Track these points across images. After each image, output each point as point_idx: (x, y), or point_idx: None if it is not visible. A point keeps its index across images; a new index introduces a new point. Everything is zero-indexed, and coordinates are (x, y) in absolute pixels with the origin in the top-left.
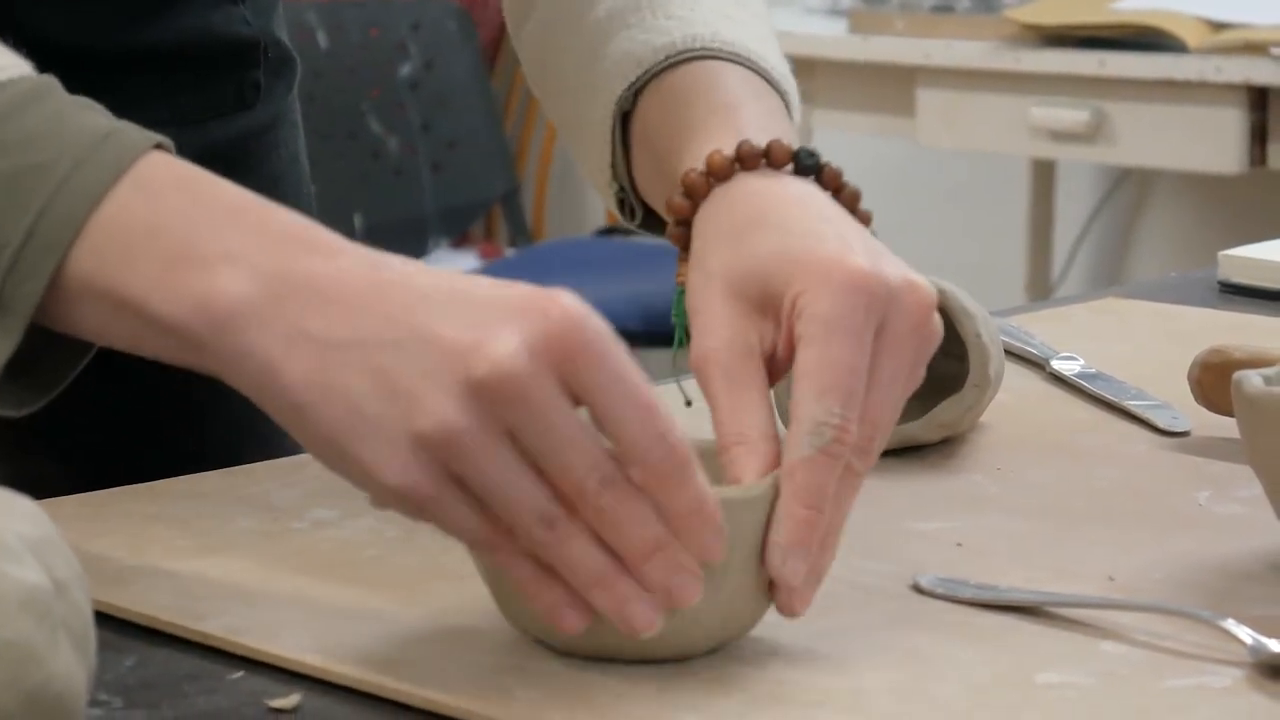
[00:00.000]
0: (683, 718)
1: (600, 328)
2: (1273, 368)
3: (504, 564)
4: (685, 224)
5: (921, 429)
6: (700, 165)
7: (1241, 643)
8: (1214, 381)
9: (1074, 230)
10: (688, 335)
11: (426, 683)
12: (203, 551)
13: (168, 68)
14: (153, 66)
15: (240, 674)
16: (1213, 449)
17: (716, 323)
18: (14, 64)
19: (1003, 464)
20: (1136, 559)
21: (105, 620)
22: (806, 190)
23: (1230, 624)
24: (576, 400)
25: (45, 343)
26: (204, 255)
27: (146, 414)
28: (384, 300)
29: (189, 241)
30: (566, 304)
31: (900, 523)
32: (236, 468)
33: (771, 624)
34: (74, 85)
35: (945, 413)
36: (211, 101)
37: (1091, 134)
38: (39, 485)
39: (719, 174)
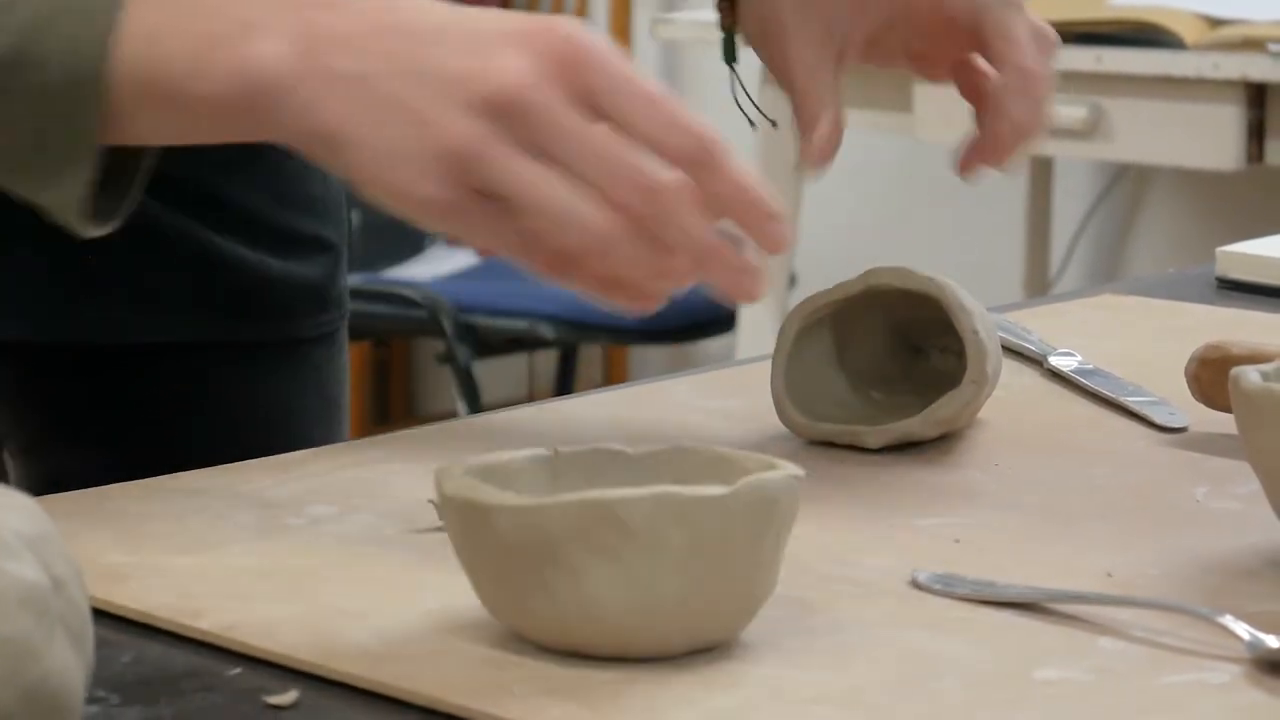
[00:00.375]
0: (680, 713)
1: (603, 42)
2: (1270, 364)
3: (553, 274)
4: None
5: (919, 425)
6: None
7: (1239, 639)
8: (1212, 378)
9: (1071, 226)
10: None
11: (424, 679)
12: (200, 548)
13: None
14: None
15: (238, 670)
16: (1210, 445)
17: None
18: None
19: (1000, 460)
20: (1134, 555)
21: (102, 617)
22: None
23: (1228, 620)
24: (595, 115)
25: (112, 163)
26: (229, 31)
27: (169, 406)
28: (401, 37)
29: (213, 21)
30: (569, 26)
31: (898, 519)
32: (233, 464)
33: (767, 621)
34: None
35: (943, 409)
36: None
37: (1089, 130)
38: (64, 481)
39: None
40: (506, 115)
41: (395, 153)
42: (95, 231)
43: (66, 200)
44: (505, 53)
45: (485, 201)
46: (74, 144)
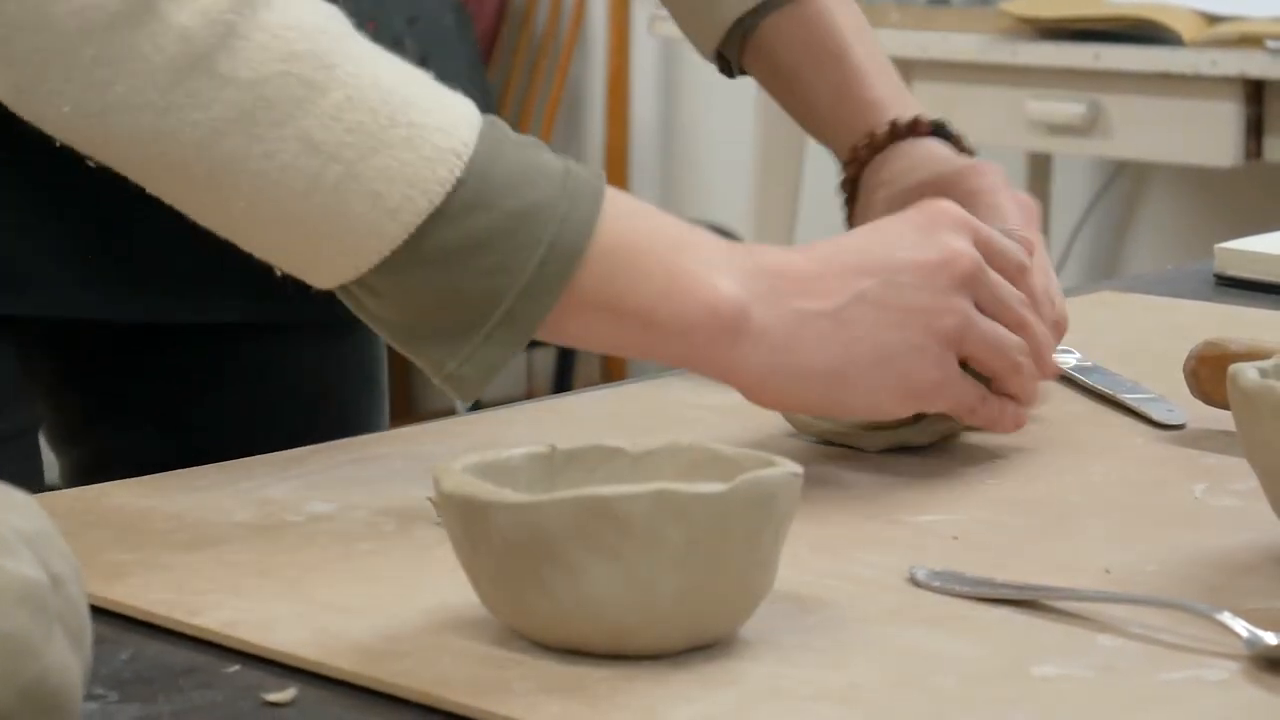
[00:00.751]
0: (679, 711)
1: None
2: (1269, 360)
3: (988, 416)
4: (852, 181)
5: (916, 434)
6: (862, 140)
7: (1237, 635)
8: (1210, 374)
9: (1070, 223)
10: None
11: (422, 676)
12: (198, 545)
13: None
14: None
15: (236, 667)
16: (1209, 442)
17: None
18: (465, 108)
19: (999, 457)
20: (1132, 552)
21: (101, 614)
22: (941, 146)
23: (1226, 617)
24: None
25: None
26: (695, 269)
27: (216, 385)
28: (843, 262)
29: (678, 260)
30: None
31: (896, 516)
32: (233, 461)
33: (766, 618)
34: None
35: (940, 421)
36: None
37: (1087, 127)
38: (109, 464)
39: (878, 146)
40: (971, 284)
41: (892, 354)
42: (466, 400)
43: (475, 374)
44: (948, 237)
45: (959, 365)
46: (513, 328)
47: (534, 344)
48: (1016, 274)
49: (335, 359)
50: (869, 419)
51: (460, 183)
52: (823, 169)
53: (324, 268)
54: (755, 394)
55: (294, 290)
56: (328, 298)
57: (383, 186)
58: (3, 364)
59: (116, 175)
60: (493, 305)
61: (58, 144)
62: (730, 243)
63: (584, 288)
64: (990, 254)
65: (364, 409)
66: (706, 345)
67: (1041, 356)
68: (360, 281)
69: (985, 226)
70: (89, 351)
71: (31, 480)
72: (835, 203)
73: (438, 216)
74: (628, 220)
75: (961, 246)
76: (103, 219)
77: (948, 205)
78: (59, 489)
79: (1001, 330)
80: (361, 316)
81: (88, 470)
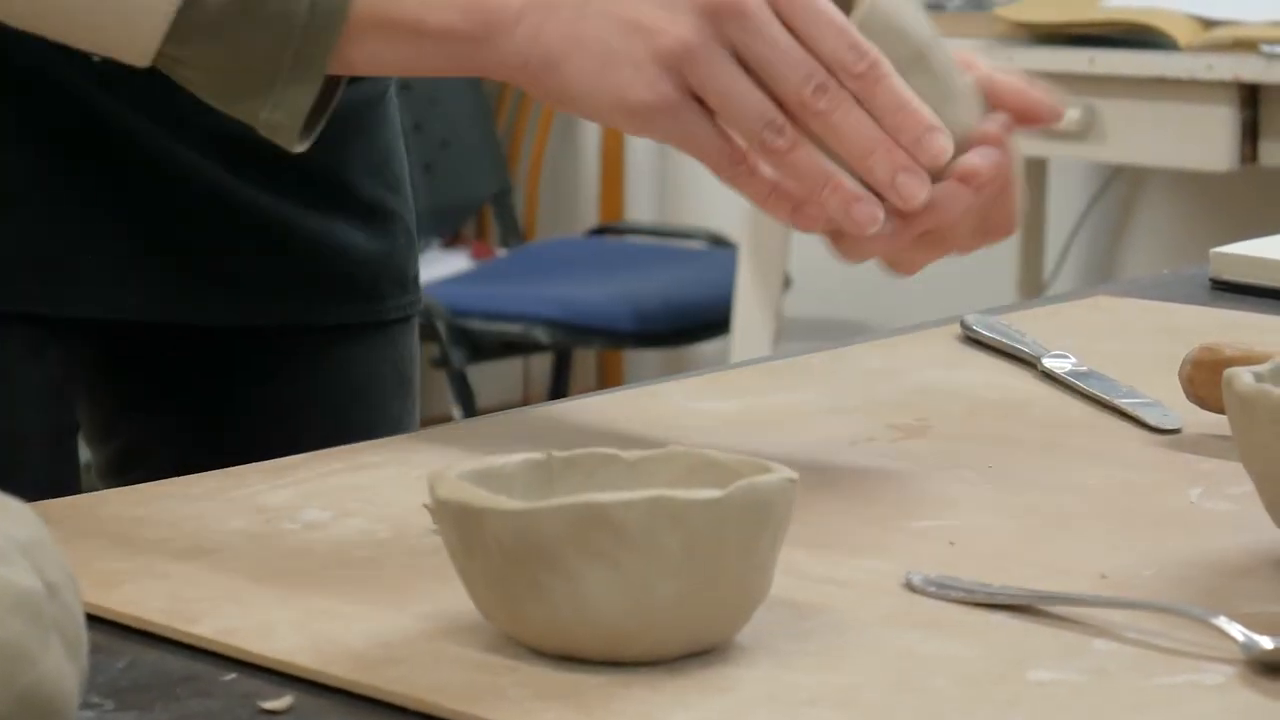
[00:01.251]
0: (675, 717)
1: None
2: (1264, 365)
3: (741, 181)
4: None
5: None
6: None
7: (1233, 640)
8: (1205, 379)
9: (1066, 228)
10: None
11: (418, 683)
12: (194, 553)
13: None
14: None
15: (233, 676)
16: (1204, 446)
17: None
18: None
19: (994, 462)
20: (1128, 556)
21: (97, 622)
22: None
23: (1222, 621)
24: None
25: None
26: None
27: (253, 383)
28: None
29: None
30: None
31: (892, 521)
32: (228, 469)
33: (762, 623)
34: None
35: None
36: None
37: (1083, 132)
38: (143, 460)
39: None
40: (718, 18)
41: (614, 58)
42: (300, 148)
43: (285, 120)
44: None
45: (692, 102)
46: (307, 65)
47: (531, 349)
48: (827, 37)
49: (370, 361)
50: (602, 122)
51: None
52: None
53: (127, 47)
54: (520, 85)
55: (333, 294)
56: (366, 299)
57: None
58: (49, 367)
59: (161, 179)
60: (282, 47)
61: (104, 150)
62: None
63: (360, 10)
64: (793, 5)
65: (396, 410)
66: (470, 46)
67: (850, 144)
68: (162, 54)
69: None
70: (128, 348)
71: (69, 481)
72: None
73: None
74: None
75: None
76: (147, 221)
77: None
78: (96, 488)
79: (742, 84)
80: (188, 89)
81: (122, 466)
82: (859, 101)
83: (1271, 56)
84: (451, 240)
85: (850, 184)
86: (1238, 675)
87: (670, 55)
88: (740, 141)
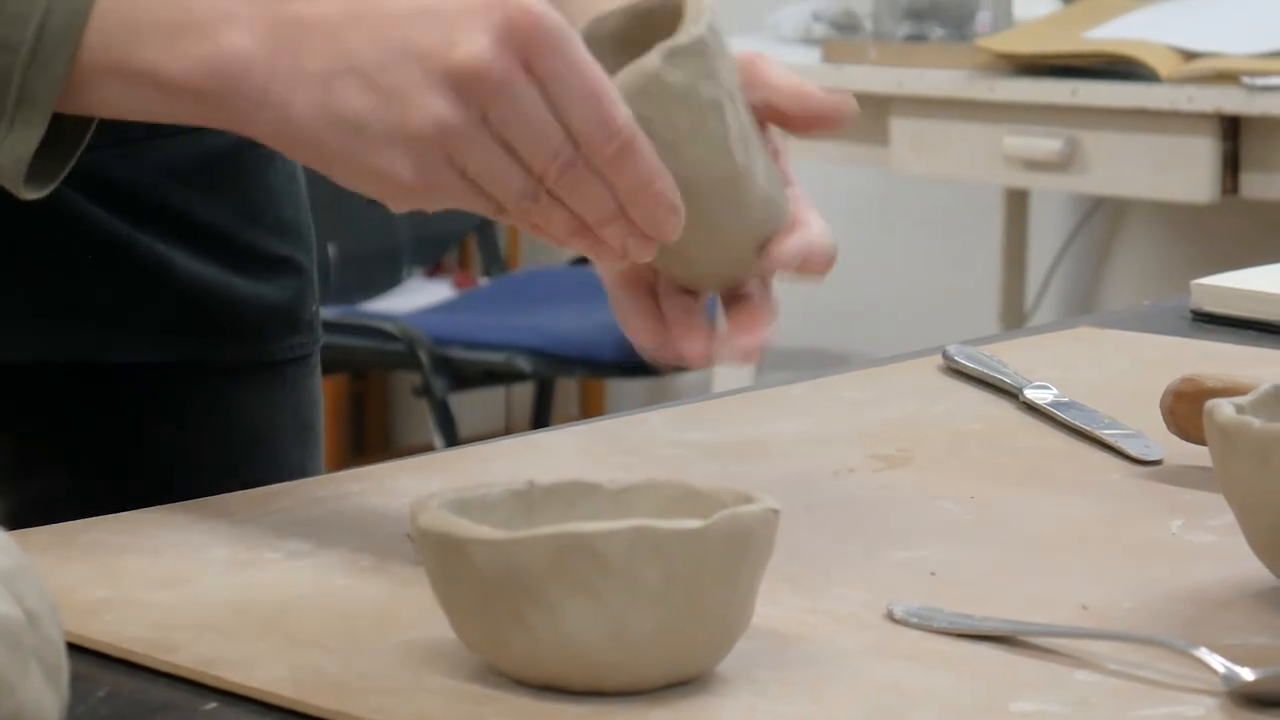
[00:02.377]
0: None
1: (557, 21)
2: (1245, 396)
3: (518, 225)
4: None
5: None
6: None
7: (1214, 672)
8: (1186, 410)
9: (1047, 259)
10: None
11: (400, 713)
12: (175, 582)
13: None
14: None
15: (213, 705)
16: (1185, 478)
17: None
18: None
19: (976, 493)
20: (1110, 588)
21: (77, 651)
22: None
23: (1203, 653)
24: (540, 88)
25: (55, 126)
26: (203, 20)
27: (142, 427)
28: (364, 26)
29: (187, 9)
30: (525, 1)
31: (874, 552)
32: (209, 498)
33: (743, 654)
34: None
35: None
36: None
37: (1064, 163)
38: (48, 508)
39: None
40: (470, 89)
41: (372, 140)
42: (28, 195)
43: (6, 161)
44: (468, 28)
45: (457, 178)
46: (31, 105)
47: (513, 379)
48: (582, 107)
49: (268, 400)
50: (371, 197)
51: None
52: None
53: None
54: (285, 154)
55: (213, 334)
56: (250, 340)
57: None
58: None
59: (21, 211)
60: (5, 86)
61: None
62: None
63: (92, 51)
64: (549, 72)
65: (297, 458)
66: (214, 102)
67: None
68: None
69: (563, 34)
70: (20, 394)
71: None
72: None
73: None
74: None
75: (479, 44)
76: (19, 259)
77: (523, 4)
78: None
79: (498, 160)
80: None
81: (26, 517)
82: (606, 171)
83: (1252, 88)
84: (434, 270)
85: (607, 235)
86: (1219, 707)
87: (431, 136)
88: None
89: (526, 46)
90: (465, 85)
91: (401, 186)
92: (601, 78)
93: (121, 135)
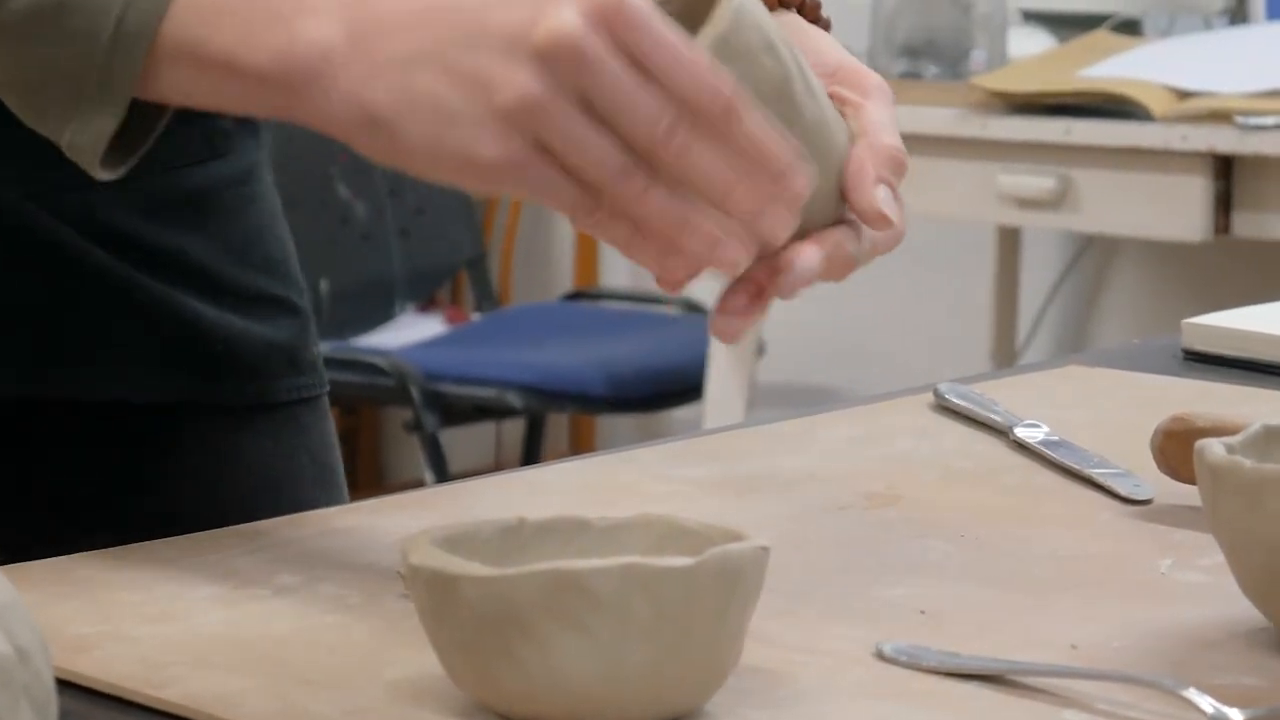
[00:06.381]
0: None
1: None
2: (1235, 436)
3: (602, 226)
4: None
5: None
6: None
7: (1203, 712)
8: (1177, 450)
9: (1039, 297)
10: None
11: None
12: (165, 618)
13: None
14: None
15: None
16: (1175, 517)
17: None
18: None
19: (966, 531)
20: (1099, 627)
21: (67, 687)
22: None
23: (1192, 693)
24: (630, 62)
25: (131, 111)
26: (280, 10)
27: (154, 469)
28: (442, 12)
29: (267, 1)
30: None
31: (864, 590)
32: (199, 533)
33: (733, 691)
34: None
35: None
36: (181, 147)
37: (1057, 201)
38: (49, 546)
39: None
40: (558, 64)
41: (454, 117)
42: (105, 176)
43: (88, 142)
44: (553, 4)
45: (540, 154)
46: (111, 90)
47: (504, 414)
48: (678, 74)
49: (281, 442)
50: (446, 182)
51: None
52: None
53: None
54: (351, 145)
55: (216, 374)
56: (253, 380)
57: None
58: None
59: (21, 247)
60: (86, 68)
61: None
62: None
63: (169, 38)
64: (637, 42)
65: (320, 498)
66: (286, 92)
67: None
68: None
69: (644, 4)
70: (26, 436)
71: None
72: None
73: None
74: None
75: (565, 16)
76: (12, 296)
77: None
78: None
79: (588, 132)
80: (5, 102)
81: (27, 553)
82: (717, 138)
83: (1245, 128)
84: (426, 305)
85: (709, 226)
86: None
87: (513, 111)
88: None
89: (611, 19)
90: (552, 59)
91: (483, 167)
92: (688, 43)
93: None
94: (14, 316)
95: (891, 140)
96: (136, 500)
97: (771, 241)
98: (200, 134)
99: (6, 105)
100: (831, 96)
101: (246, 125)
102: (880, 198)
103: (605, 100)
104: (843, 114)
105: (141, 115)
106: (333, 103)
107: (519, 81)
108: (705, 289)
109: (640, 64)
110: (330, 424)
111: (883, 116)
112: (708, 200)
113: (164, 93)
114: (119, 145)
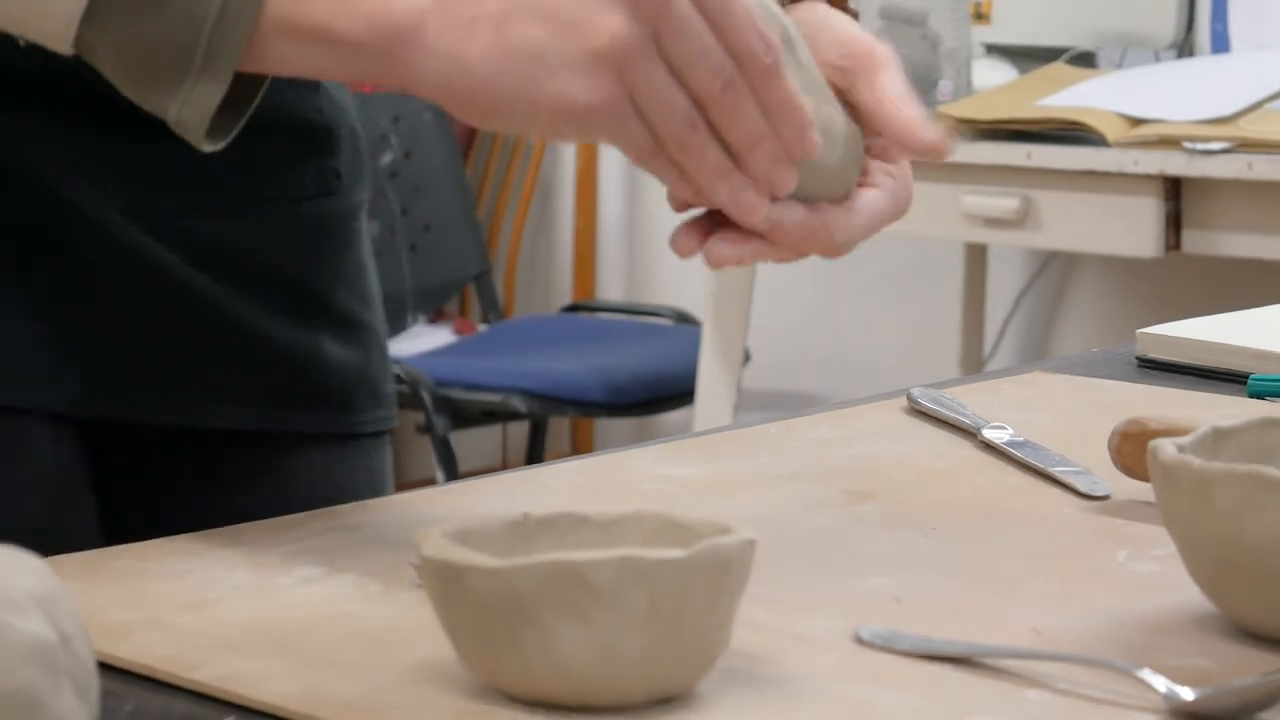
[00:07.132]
0: None
1: None
2: (1185, 437)
3: (658, 168)
4: None
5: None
6: None
7: (1156, 691)
8: (1132, 450)
9: (1004, 309)
10: None
11: None
12: (197, 606)
13: (247, 147)
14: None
15: (231, 719)
16: (1131, 512)
17: None
18: None
19: (938, 525)
20: (1061, 613)
21: (106, 669)
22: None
23: (1146, 674)
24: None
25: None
26: None
27: (224, 491)
28: None
29: None
30: None
31: (843, 579)
32: (227, 528)
33: (722, 673)
34: (153, 155)
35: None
36: (300, 183)
37: (1020, 220)
38: None
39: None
40: (644, 11)
41: (549, 64)
42: (209, 148)
43: (193, 116)
44: None
45: (628, 98)
46: (216, 63)
47: (509, 418)
48: (737, 28)
49: (343, 474)
50: (538, 132)
51: None
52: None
53: (46, 31)
54: (444, 106)
55: (309, 403)
56: (340, 410)
57: None
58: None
59: (127, 274)
60: (194, 43)
61: (66, 243)
62: None
63: (270, 12)
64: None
65: None
66: (382, 58)
67: (740, 145)
68: (81, 39)
69: None
70: (105, 454)
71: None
72: (789, 288)
73: None
74: None
75: None
76: (116, 320)
77: None
78: None
79: (668, 81)
80: (110, 79)
81: None
82: (756, 93)
83: (1193, 153)
84: (435, 316)
85: (742, 178)
86: None
87: (606, 53)
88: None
89: None
90: (639, 5)
91: (575, 110)
92: (753, 14)
93: (218, 201)
94: (108, 337)
95: (914, 112)
96: (194, 518)
97: (777, 193)
98: (316, 173)
99: (114, 112)
100: (840, 63)
101: (355, 166)
102: (918, 116)
103: (680, 48)
104: (855, 83)
105: (244, 85)
106: (429, 65)
107: (611, 24)
108: (694, 300)
109: (706, 14)
110: (390, 455)
111: (899, 88)
112: (733, 149)
113: (264, 64)
114: (219, 118)
